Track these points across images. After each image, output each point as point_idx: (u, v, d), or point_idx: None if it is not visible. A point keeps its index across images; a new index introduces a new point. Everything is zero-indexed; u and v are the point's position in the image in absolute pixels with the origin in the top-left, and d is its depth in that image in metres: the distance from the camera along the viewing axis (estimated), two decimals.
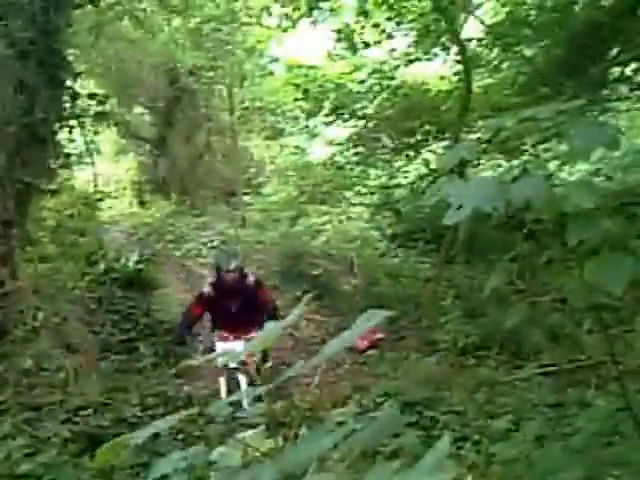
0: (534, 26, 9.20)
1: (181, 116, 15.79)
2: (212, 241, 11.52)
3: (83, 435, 4.24)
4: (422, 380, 4.66)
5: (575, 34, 8.47)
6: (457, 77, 10.14)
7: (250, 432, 2.43)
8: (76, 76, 7.24)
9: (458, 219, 2.13)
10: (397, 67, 10.50)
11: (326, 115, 11.37)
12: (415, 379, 4.69)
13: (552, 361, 4.52)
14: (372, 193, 12.39)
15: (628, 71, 8.92)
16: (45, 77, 6.17)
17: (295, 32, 11.75)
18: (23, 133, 6.05)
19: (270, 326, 1.77)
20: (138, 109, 17.11)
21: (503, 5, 10.00)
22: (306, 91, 11.22)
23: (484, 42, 9.80)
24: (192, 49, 13.70)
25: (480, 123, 9.08)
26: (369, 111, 11.08)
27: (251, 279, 6.24)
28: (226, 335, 5.94)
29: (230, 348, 5.75)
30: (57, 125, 6.62)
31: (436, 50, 10.26)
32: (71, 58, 7.15)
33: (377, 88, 10.73)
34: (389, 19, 10.21)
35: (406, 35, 10.41)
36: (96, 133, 11.65)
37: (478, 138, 9.72)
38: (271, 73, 15.90)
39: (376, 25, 10.30)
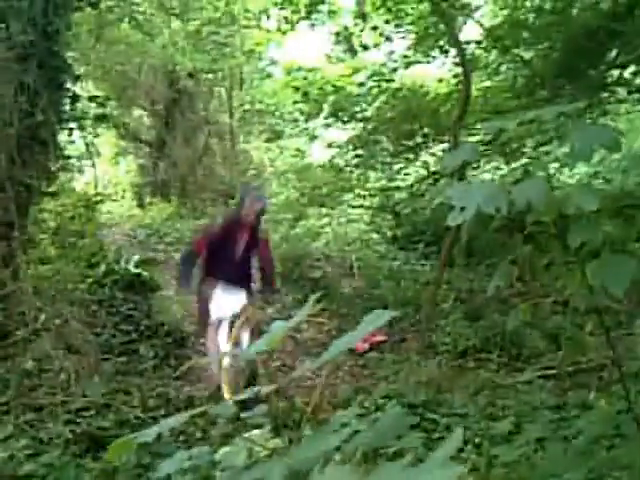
0: (532, 29, 9.23)
1: (180, 119, 15.81)
2: None
3: (85, 436, 4.24)
4: (423, 382, 4.67)
5: (573, 37, 8.50)
6: (456, 80, 10.16)
7: (255, 432, 2.44)
8: (76, 78, 7.25)
9: (461, 220, 2.15)
10: (396, 70, 10.51)
11: (325, 117, 11.39)
12: (416, 381, 4.70)
13: (553, 364, 4.53)
14: (372, 195, 12.40)
15: (626, 74, 8.95)
16: (45, 79, 6.19)
17: (294, 35, 11.78)
18: (24, 135, 6.07)
19: (276, 325, 1.78)
20: (137, 111, 17.14)
21: (501, 8, 10.04)
22: (305, 94, 11.24)
23: (483, 45, 9.83)
24: (191, 52, 13.71)
25: (480, 125, 9.09)
26: (368, 114, 11.09)
27: (263, 226, 6.23)
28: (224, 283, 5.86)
29: (231, 297, 5.79)
30: (57, 127, 6.64)
31: (435, 53, 10.29)
32: (71, 61, 7.17)
33: (376, 91, 10.74)
34: (387, 22, 10.24)
35: (404, 38, 10.43)
36: (96, 136, 11.65)
37: (478, 141, 9.74)
38: (269, 76, 15.93)
39: (374, 28, 10.34)
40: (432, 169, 11.26)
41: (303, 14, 10.26)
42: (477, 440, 3.60)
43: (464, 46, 8.99)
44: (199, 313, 6.03)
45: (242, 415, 2.47)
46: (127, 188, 16.92)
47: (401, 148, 11.17)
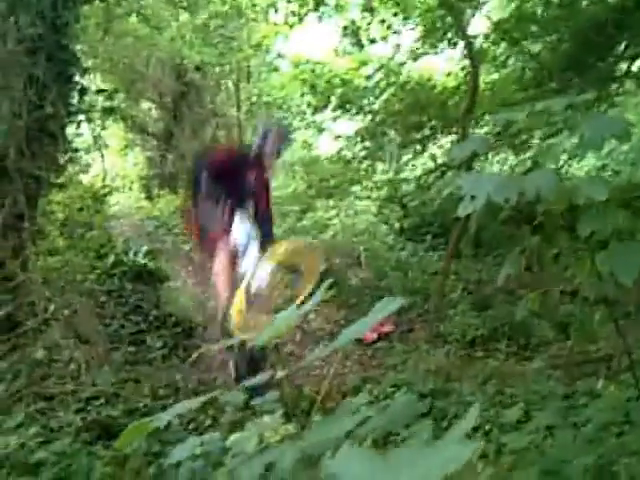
0: (540, 22, 9.20)
1: (188, 111, 15.82)
2: None
3: (96, 424, 4.27)
4: (431, 372, 4.68)
5: (581, 30, 8.48)
6: (464, 73, 10.15)
7: (266, 418, 2.46)
8: (84, 71, 7.27)
9: (471, 210, 2.16)
10: (404, 63, 10.52)
11: (333, 110, 11.39)
12: (424, 371, 4.71)
13: (562, 353, 4.54)
14: (379, 188, 12.40)
15: (635, 67, 8.94)
16: (54, 72, 6.20)
17: (301, 28, 11.77)
18: (32, 127, 6.09)
19: (286, 314, 1.79)
20: (145, 104, 17.16)
21: (510, 1, 10.01)
22: (313, 86, 11.24)
23: (490, 38, 9.81)
24: (199, 45, 13.70)
25: (489, 117, 9.09)
26: (376, 106, 11.08)
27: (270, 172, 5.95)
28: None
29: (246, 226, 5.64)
30: (66, 120, 6.66)
31: (443, 45, 10.28)
32: (79, 53, 7.18)
33: (384, 83, 10.74)
34: (395, 15, 10.24)
35: (413, 29, 10.42)
36: (104, 128, 11.67)
37: (486, 133, 9.74)
38: (276, 69, 15.91)
39: (382, 21, 10.32)
40: (440, 161, 11.26)
41: (311, 7, 10.26)
42: (486, 428, 3.61)
43: (472, 39, 8.98)
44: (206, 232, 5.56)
45: (253, 402, 2.48)
46: (135, 180, 16.95)
47: (409, 140, 11.17)
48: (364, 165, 11.85)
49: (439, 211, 10.59)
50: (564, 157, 8.83)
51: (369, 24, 10.42)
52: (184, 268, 9.10)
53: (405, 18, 10.21)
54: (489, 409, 3.94)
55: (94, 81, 13.11)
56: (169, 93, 15.93)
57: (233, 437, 2.04)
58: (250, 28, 14.45)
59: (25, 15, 6.00)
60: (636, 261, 2.15)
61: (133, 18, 12.83)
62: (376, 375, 5.22)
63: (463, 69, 10.20)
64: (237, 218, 5.66)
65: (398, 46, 10.48)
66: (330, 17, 10.90)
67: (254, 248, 5.57)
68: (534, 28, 9.33)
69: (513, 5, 9.69)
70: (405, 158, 11.90)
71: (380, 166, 12.42)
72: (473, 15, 10.30)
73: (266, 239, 5.72)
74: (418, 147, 11.42)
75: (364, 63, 11.45)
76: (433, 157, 11.57)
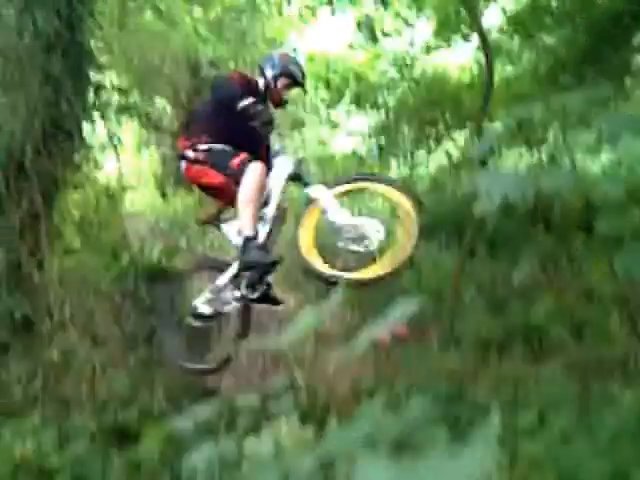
0: (555, 13, 9.15)
1: None
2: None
3: (111, 428, 4.30)
4: (445, 374, 4.66)
5: (597, 21, 8.42)
6: (478, 67, 10.11)
7: (281, 422, 2.45)
8: (100, 68, 7.29)
9: (489, 208, 2.15)
10: (416, 59, 10.51)
11: (347, 105, 11.40)
12: (438, 373, 4.69)
13: (578, 355, 4.51)
14: None
15: None
16: (69, 69, 6.22)
17: (315, 23, 11.77)
18: (48, 125, 6.11)
19: (304, 318, 1.78)
20: (160, 101, 17.14)
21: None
22: (327, 81, 11.24)
23: (505, 31, 9.77)
24: (213, 40, 13.69)
25: (506, 113, 9.04)
26: (390, 102, 11.07)
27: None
28: None
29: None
30: (81, 117, 6.67)
31: (457, 38, 10.26)
32: (95, 50, 7.19)
33: (398, 78, 10.73)
34: (409, 8, 10.22)
35: (427, 19, 10.41)
36: (119, 125, 11.67)
37: (502, 128, 9.68)
38: None
39: (396, 14, 10.31)
40: (454, 159, 11.22)
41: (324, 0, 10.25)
42: (501, 433, 3.59)
43: (486, 33, 8.94)
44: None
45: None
46: (149, 178, 16.95)
47: (423, 136, 11.14)
48: (378, 162, 11.82)
49: (454, 209, 10.53)
50: (579, 153, 8.78)
51: (383, 18, 10.42)
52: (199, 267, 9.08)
53: (419, 10, 10.19)
54: (503, 413, 3.92)
55: (109, 77, 13.14)
56: (184, 89, 15.90)
57: (249, 441, 2.04)
58: (264, 22, 14.43)
59: (41, 10, 5.99)
60: None
61: (148, 14, 12.85)
62: (390, 377, 5.19)
63: (477, 63, 10.17)
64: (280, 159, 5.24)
65: (411, 42, 10.47)
66: (344, 11, 10.88)
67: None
68: (548, 20, 9.28)
69: None
70: (419, 154, 11.88)
71: (394, 163, 12.39)
72: (487, 6, 10.27)
73: None
74: (432, 143, 11.38)
75: (378, 56, 11.43)
76: (448, 154, 11.52)
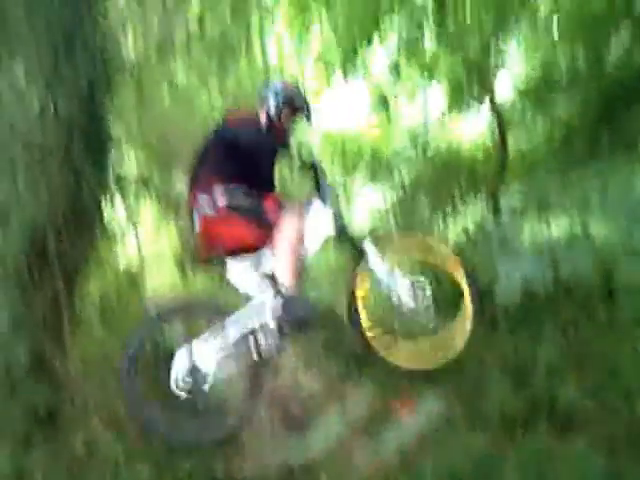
0: (567, 83, 9.26)
1: None
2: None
3: None
4: (471, 452, 4.55)
5: (608, 87, 8.51)
6: (491, 137, 10.21)
7: None
8: (119, 148, 7.37)
9: (509, 292, 2.14)
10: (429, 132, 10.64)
11: (362, 180, 11.49)
12: (464, 452, 4.58)
13: (605, 431, 4.41)
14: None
15: None
16: (89, 148, 6.23)
17: (329, 95, 11.96)
18: (69, 209, 6.08)
19: None
20: (178, 176, 17.24)
21: (533, 69, 10.09)
22: (343, 157, 11.37)
23: (517, 101, 9.90)
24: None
25: (520, 188, 9.08)
26: (406, 178, 11.17)
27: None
28: None
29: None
30: (101, 197, 6.68)
31: (470, 106, 10.40)
32: (113, 127, 7.23)
33: (412, 154, 10.84)
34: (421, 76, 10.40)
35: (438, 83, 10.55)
36: (137, 204, 11.74)
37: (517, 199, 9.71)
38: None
39: (407, 79, 10.48)
40: (471, 235, 11.22)
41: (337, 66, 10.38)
42: None
43: (497, 103, 9.05)
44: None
45: None
46: (169, 256, 16.96)
47: (440, 209, 11.15)
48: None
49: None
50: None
51: (395, 84, 10.57)
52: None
53: (430, 77, 10.34)
54: None
55: (127, 154, 13.29)
56: None
57: None
58: None
59: (61, 92, 6.00)
60: None
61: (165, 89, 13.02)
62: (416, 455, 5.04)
63: (491, 132, 10.26)
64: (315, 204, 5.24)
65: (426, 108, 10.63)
66: (356, 78, 11.04)
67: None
68: (560, 91, 9.38)
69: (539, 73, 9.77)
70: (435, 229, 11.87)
71: None
72: (496, 75, 10.41)
73: None
74: (449, 219, 11.39)
75: (389, 121, 11.52)
76: (466, 231, 11.50)
